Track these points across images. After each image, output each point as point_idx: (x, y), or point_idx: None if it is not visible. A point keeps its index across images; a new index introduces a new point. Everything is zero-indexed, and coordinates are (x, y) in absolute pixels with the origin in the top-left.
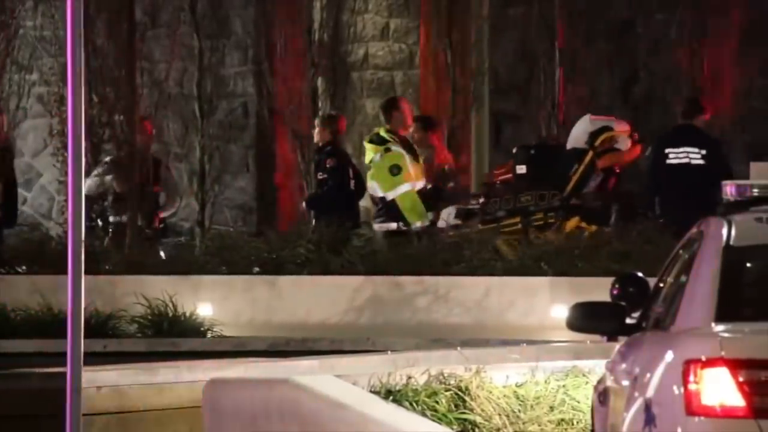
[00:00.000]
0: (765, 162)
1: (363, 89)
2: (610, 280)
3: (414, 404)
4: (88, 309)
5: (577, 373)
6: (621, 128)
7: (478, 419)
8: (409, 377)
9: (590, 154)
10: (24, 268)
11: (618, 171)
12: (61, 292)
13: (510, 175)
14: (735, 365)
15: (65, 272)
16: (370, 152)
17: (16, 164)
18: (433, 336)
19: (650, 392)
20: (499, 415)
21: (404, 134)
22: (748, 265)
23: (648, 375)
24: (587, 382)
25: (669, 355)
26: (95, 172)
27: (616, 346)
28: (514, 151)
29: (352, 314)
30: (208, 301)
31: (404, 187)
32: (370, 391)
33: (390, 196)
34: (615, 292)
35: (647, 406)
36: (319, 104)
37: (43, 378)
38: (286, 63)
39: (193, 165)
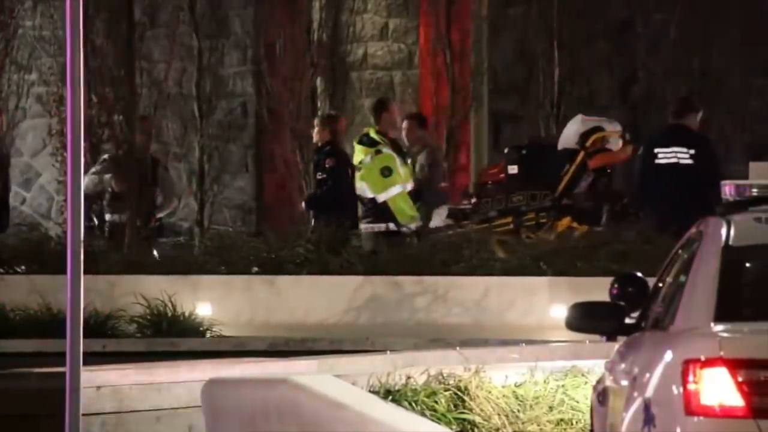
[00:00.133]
0: (764, 162)
1: (362, 89)
2: (609, 280)
3: (413, 404)
4: (87, 309)
5: (576, 373)
6: (612, 128)
7: (478, 419)
8: (409, 377)
9: (582, 154)
10: (23, 268)
11: (609, 171)
12: (60, 291)
13: (502, 176)
14: (734, 365)
15: (64, 272)
16: (360, 153)
17: (16, 164)
18: (433, 336)
19: (649, 392)
20: (498, 415)
21: (393, 136)
22: (748, 265)
23: (647, 375)
24: (586, 382)
25: (668, 355)
26: (93, 170)
27: (616, 346)
28: (506, 151)
29: (351, 314)
30: (207, 301)
31: (396, 189)
32: (370, 391)
33: (381, 197)
34: (614, 292)
35: (646, 406)
36: (319, 104)
37: (42, 378)
38: (286, 63)
39: (192, 165)
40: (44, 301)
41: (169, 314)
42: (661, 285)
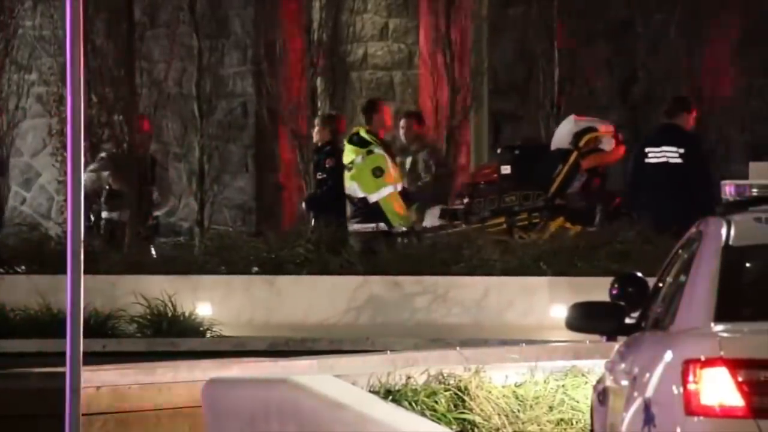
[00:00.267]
0: (764, 162)
1: (362, 89)
2: (609, 279)
3: (413, 404)
4: (87, 309)
5: (577, 372)
6: (605, 129)
7: (478, 419)
8: (409, 377)
9: (574, 154)
10: (23, 267)
11: (602, 171)
12: (61, 291)
13: (494, 176)
14: (734, 365)
15: (64, 272)
16: (351, 153)
17: (16, 164)
18: (433, 336)
19: (649, 392)
20: (499, 414)
21: (383, 136)
22: (748, 265)
23: (647, 375)
24: (586, 382)
25: (668, 355)
26: (90, 168)
27: (616, 346)
28: (499, 151)
29: (351, 314)
30: (208, 301)
31: (387, 189)
32: (370, 391)
33: (373, 198)
34: (614, 291)
35: (646, 406)
36: (318, 104)
37: (42, 378)
38: (286, 63)
39: (193, 165)
40: (44, 301)
41: (170, 314)
42: (661, 285)
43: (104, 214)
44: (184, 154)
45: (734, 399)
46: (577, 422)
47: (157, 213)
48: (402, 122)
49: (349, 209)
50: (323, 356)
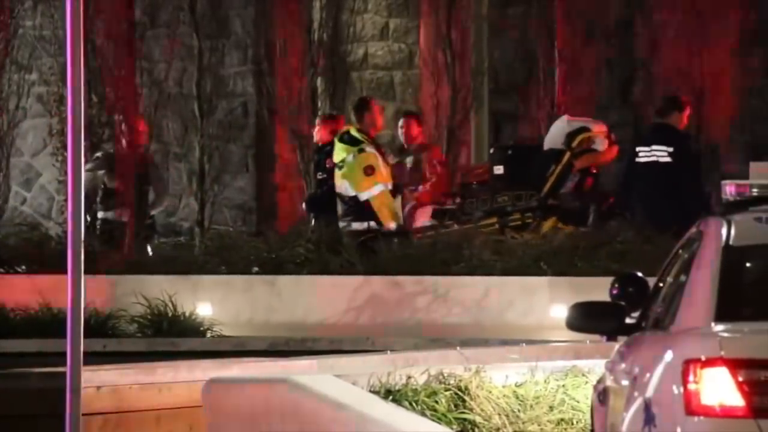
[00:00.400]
0: (764, 162)
1: (362, 89)
2: (609, 279)
3: (413, 404)
4: (87, 309)
5: (577, 372)
6: (598, 129)
7: (478, 419)
8: (409, 377)
9: (567, 154)
10: (23, 267)
11: (595, 171)
12: (61, 291)
13: (487, 176)
14: (734, 365)
15: (65, 272)
16: (342, 152)
17: (16, 164)
18: (433, 336)
19: (650, 392)
20: (499, 414)
21: (374, 134)
22: (748, 264)
23: (647, 375)
24: (587, 382)
25: (668, 355)
26: (85, 167)
27: (616, 346)
28: (491, 151)
29: (351, 314)
30: (208, 301)
31: (378, 188)
32: (370, 391)
33: (364, 196)
34: (614, 291)
35: (647, 406)
36: (319, 104)
37: (42, 378)
38: (286, 63)
39: (193, 165)
40: (45, 300)
41: (170, 314)
42: (661, 285)
43: (100, 214)
44: (184, 154)
45: (734, 399)
46: (577, 422)
47: (153, 212)
48: (401, 122)
49: (340, 208)
50: (323, 356)
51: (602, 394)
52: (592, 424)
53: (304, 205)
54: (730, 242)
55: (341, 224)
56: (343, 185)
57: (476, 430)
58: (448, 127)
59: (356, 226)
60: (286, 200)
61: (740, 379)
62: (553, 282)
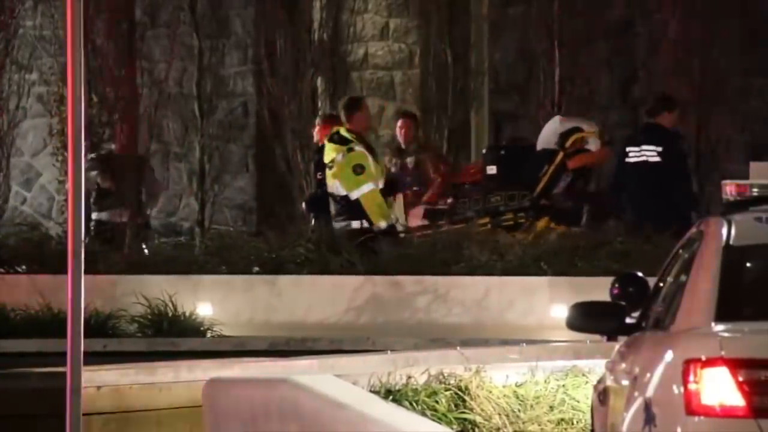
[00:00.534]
0: (765, 162)
1: (363, 89)
2: (609, 279)
3: (414, 404)
4: (87, 309)
5: (577, 372)
6: (591, 129)
7: (478, 419)
8: (409, 377)
9: (560, 154)
10: (24, 267)
11: (588, 172)
12: (61, 291)
13: (480, 176)
14: (735, 365)
15: (65, 272)
16: (332, 152)
17: (17, 163)
18: (433, 336)
19: (650, 392)
20: (499, 414)
21: (364, 134)
22: (748, 264)
23: (648, 375)
24: (587, 382)
25: (669, 355)
26: None
27: (616, 346)
28: (484, 151)
29: (351, 314)
30: (208, 301)
31: (368, 187)
32: (370, 391)
33: (354, 195)
34: (615, 291)
35: (647, 406)
36: (319, 104)
37: (42, 377)
38: (286, 63)
39: (193, 165)
40: (45, 300)
41: (170, 314)
42: (661, 285)
43: (94, 215)
44: (184, 154)
45: (735, 399)
46: (577, 422)
47: (147, 212)
48: (399, 122)
49: (333, 208)
50: (324, 356)
51: (602, 394)
52: (593, 424)
53: (304, 205)
54: (731, 242)
55: (335, 224)
56: (334, 185)
57: (476, 430)
58: (449, 127)
59: (349, 225)
60: (287, 200)
61: (740, 379)
62: (553, 282)
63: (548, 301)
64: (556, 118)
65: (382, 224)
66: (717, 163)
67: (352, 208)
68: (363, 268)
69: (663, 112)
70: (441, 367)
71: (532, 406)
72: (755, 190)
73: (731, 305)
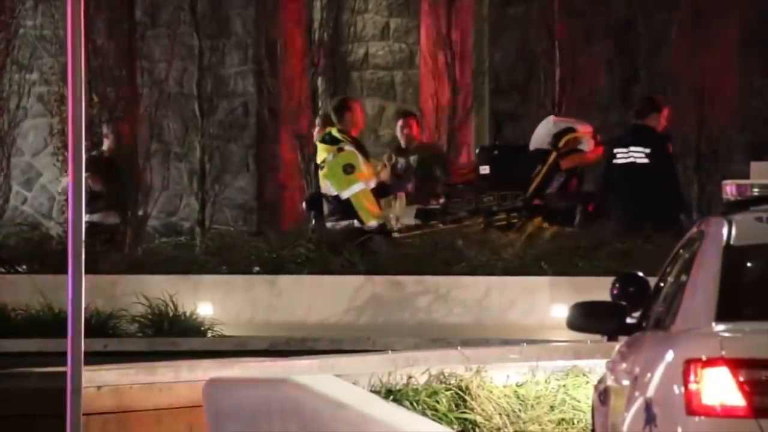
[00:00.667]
0: (765, 162)
1: (363, 89)
2: (610, 279)
3: (414, 404)
4: (88, 308)
5: (578, 372)
6: (584, 129)
7: (479, 419)
8: (410, 377)
9: (553, 155)
10: (24, 267)
11: (580, 172)
12: (62, 291)
13: (472, 176)
14: (735, 365)
15: (66, 271)
16: (323, 152)
17: (17, 163)
18: (434, 335)
19: (651, 392)
20: (500, 414)
21: (355, 134)
22: (749, 264)
23: (648, 374)
24: (587, 382)
25: (669, 355)
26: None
27: (617, 346)
28: (477, 151)
29: (352, 314)
30: (209, 301)
31: (358, 186)
32: (371, 391)
33: (344, 195)
34: (615, 291)
35: (648, 406)
36: (320, 104)
37: (43, 377)
38: (287, 62)
39: (194, 164)
40: (46, 300)
41: (171, 314)
42: (662, 285)
43: (86, 217)
44: (185, 154)
45: (735, 399)
46: (578, 422)
47: (139, 213)
48: (399, 122)
49: (326, 208)
50: (324, 356)
51: (603, 394)
52: (593, 424)
53: (304, 205)
54: (731, 242)
55: (327, 224)
56: (325, 185)
57: (477, 429)
58: (449, 128)
59: (340, 225)
60: (287, 200)
61: (741, 379)
62: (553, 282)
63: (549, 301)
64: (550, 119)
65: (373, 224)
66: (717, 163)
67: (344, 208)
68: (363, 268)
69: (650, 113)
70: (441, 367)
71: (532, 406)
72: (756, 190)
73: (732, 305)
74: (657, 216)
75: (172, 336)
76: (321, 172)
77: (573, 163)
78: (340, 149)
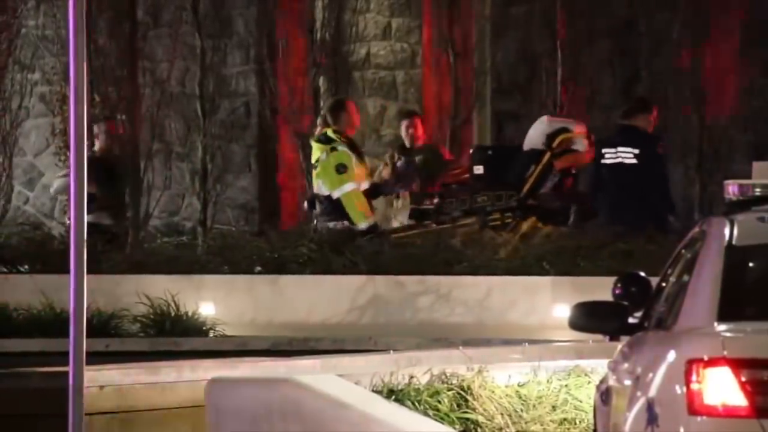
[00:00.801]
0: (767, 161)
1: (365, 89)
2: (612, 279)
3: (416, 404)
4: (90, 308)
5: (580, 372)
6: (578, 129)
7: (481, 419)
8: (412, 377)
9: (547, 155)
10: (26, 267)
11: (575, 172)
12: (64, 291)
13: (466, 176)
14: (737, 365)
15: (67, 271)
16: (317, 151)
17: (19, 163)
18: (435, 335)
19: (652, 392)
20: (502, 414)
21: (350, 135)
22: (751, 264)
23: (650, 374)
24: (589, 382)
25: (671, 355)
26: (62, 173)
27: (619, 346)
28: (471, 151)
29: (354, 314)
30: (210, 301)
31: (349, 186)
32: (373, 391)
33: (335, 194)
34: (617, 291)
35: (649, 406)
36: (321, 104)
37: (45, 377)
38: (288, 62)
39: (195, 164)
40: (47, 300)
41: (172, 314)
42: (664, 284)
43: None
44: (186, 154)
45: (737, 399)
46: (580, 422)
47: (141, 213)
48: (406, 123)
49: (318, 208)
50: (326, 356)
51: (605, 394)
52: (595, 424)
53: (306, 205)
54: (733, 242)
55: (319, 224)
56: (317, 184)
57: (479, 429)
58: (451, 127)
59: (332, 224)
60: (289, 200)
61: (743, 378)
62: (555, 282)
63: (551, 301)
64: (544, 119)
65: (363, 225)
66: (719, 163)
67: (334, 208)
68: (365, 267)
69: (639, 114)
70: (443, 366)
71: (534, 406)
72: (758, 189)
73: (734, 305)
74: (645, 217)
75: (173, 336)
76: (314, 172)
77: (567, 163)
78: (334, 149)
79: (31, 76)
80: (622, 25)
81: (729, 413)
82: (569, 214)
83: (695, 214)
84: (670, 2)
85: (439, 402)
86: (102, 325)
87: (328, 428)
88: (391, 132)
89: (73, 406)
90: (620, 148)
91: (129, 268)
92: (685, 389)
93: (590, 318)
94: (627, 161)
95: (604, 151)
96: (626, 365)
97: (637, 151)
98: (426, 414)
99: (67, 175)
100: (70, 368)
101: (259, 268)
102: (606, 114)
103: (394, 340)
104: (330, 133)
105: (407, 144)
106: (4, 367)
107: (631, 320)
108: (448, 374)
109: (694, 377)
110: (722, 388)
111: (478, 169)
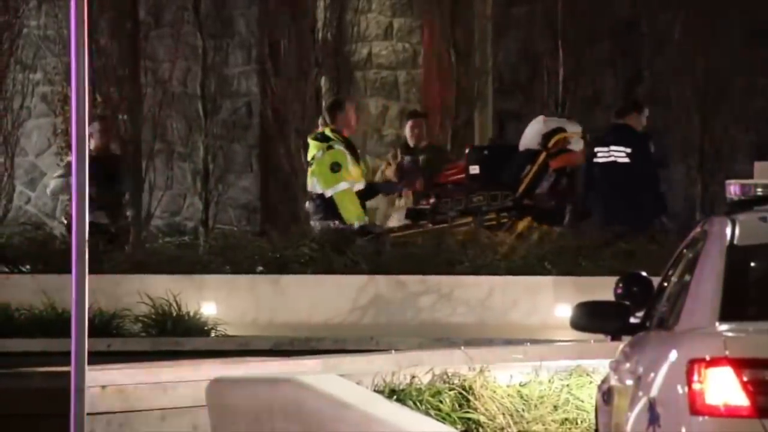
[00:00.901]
0: None
1: (366, 88)
2: (614, 279)
3: (418, 404)
4: (91, 308)
5: (581, 372)
6: (574, 129)
7: (482, 419)
8: (413, 377)
9: (543, 155)
10: (28, 267)
11: (570, 172)
12: (65, 291)
13: (462, 176)
14: (739, 365)
15: (69, 271)
16: (313, 149)
17: (21, 163)
18: (437, 335)
19: (654, 391)
20: (503, 414)
21: (347, 135)
22: (752, 264)
23: (652, 374)
24: (591, 382)
25: (673, 355)
26: (58, 173)
27: (620, 346)
28: (467, 151)
29: (355, 313)
30: (212, 301)
31: (343, 185)
32: (374, 391)
33: (328, 192)
34: (619, 291)
35: (651, 406)
36: (323, 104)
37: (47, 377)
38: (290, 62)
39: (197, 164)
40: (49, 300)
41: (174, 314)
42: (665, 284)
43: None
44: (188, 154)
45: (739, 399)
46: (581, 422)
47: (129, 213)
48: (409, 123)
49: (311, 206)
50: (328, 356)
51: (606, 394)
52: (597, 424)
53: (307, 205)
54: (735, 242)
55: (311, 223)
56: (311, 182)
57: (480, 429)
58: (453, 127)
59: (325, 223)
60: (291, 200)
61: (745, 378)
62: (557, 281)
63: (552, 301)
64: (540, 119)
65: (355, 224)
66: (721, 163)
67: (327, 207)
68: (367, 267)
69: (631, 113)
70: (445, 366)
71: (536, 405)
72: (759, 189)
73: (735, 305)
74: (638, 215)
75: (175, 336)
76: (309, 170)
77: (562, 163)
78: (330, 147)
79: (33, 76)
80: (624, 25)
81: (731, 413)
82: (564, 213)
83: (697, 214)
84: (671, 2)
85: (441, 402)
86: (104, 325)
87: (329, 428)
88: (392, 132)
89: (75, 406)
90: (613, 147)
91: (131, 268)
92: (686, 389)
93: (592, 318)
94: (620, 160)
95: (596, 150)
96: (628, 365)
97: (629, 150)
98: (428, 414)
99: (63, 176)
100: (71, 368)
101: (260, 268)
102: (607, 114)
103: (396, 340)
104: (327, 131)
105: (411, 144)
106: (6, 367)
107: (632, 320)
108: (449, 374)
109: (695, 377)
110: (724, 388)
111: (474, 169)
